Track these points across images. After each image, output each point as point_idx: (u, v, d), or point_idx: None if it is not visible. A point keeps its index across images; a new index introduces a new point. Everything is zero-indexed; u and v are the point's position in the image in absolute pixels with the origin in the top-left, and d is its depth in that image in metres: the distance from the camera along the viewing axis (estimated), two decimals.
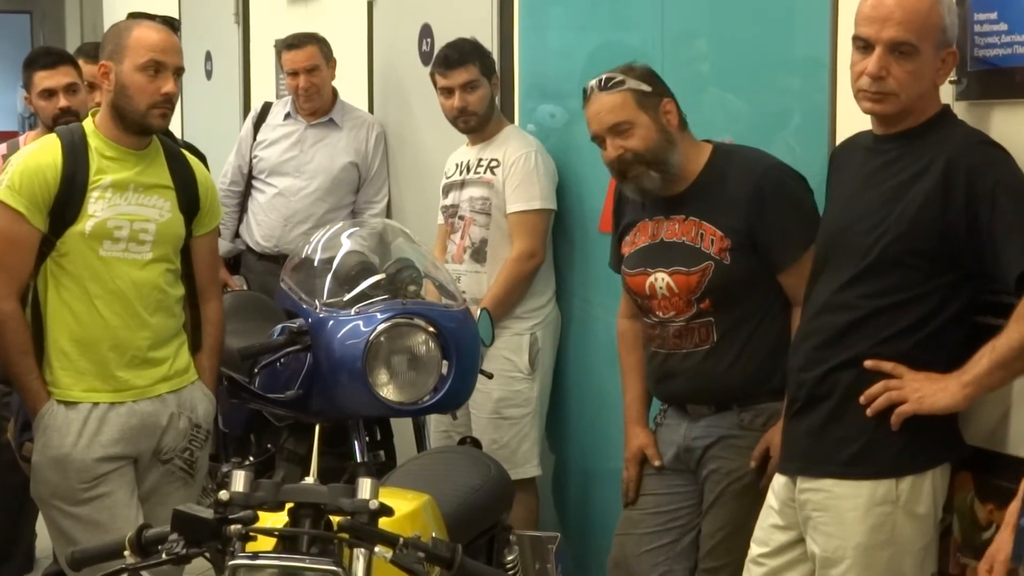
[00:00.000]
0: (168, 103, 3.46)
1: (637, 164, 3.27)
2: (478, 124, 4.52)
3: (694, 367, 3.30)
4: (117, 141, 3.48)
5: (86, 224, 3.41)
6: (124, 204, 3.45)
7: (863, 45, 2.79)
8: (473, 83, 4.46)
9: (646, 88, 3.30)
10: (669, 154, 3.28)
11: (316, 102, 5.48)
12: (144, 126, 3.46)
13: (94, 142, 3.47)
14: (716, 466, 3.31)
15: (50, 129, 4.42)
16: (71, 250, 3.42)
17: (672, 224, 3.33)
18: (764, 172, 3.27)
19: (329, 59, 5.49)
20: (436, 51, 4.76)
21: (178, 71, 3.50)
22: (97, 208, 3.42)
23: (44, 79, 4.68)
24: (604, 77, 3.32)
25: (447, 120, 4.58)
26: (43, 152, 3.45)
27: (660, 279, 3.31)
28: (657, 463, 3.42)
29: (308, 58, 5.43)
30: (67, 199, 3.40)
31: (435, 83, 4.57)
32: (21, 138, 4.94)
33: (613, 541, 3.53)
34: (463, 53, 4.49)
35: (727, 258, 3.24)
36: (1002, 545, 2.41)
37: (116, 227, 3.43)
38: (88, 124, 3.51)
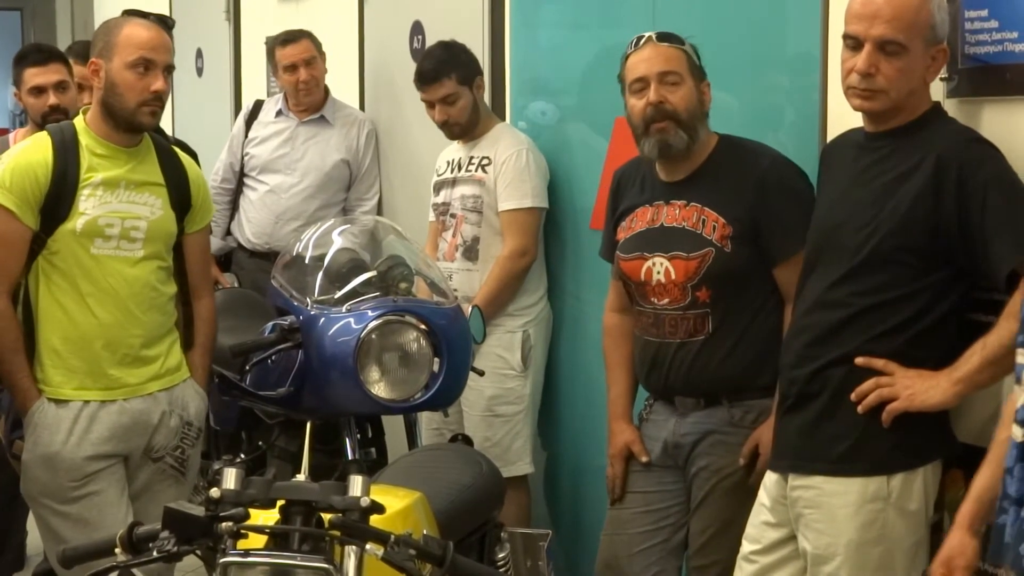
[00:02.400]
0: (158, 101, 3.46)
1: (669, 119, 3.24)
2: (463, 131, 4.52)
3: (687, 358, 3.29)
4: (108, 139, 3.47)
5: (77, 222, 3.40)
6: (115, 202, 3.44)
7: (853, 43, 2.79)
8: (451, 96, 4.44)
9: (696, 60, 3.31)
10: (700, 125, 3.28)
11: (316, 95, 5.49)
12: (134, 124, 3.46)
13: (85, 140, 3.46)
14: (705, 463, 3.30)
15: (39, 126, 4.41)
16: (62, 248, 3.41)
17: (672, 209, 3.32)
18: (770, 163, 3.28)
19: (321, 54, 5.50)
20: (427, 48, 4.76)
21: (168, 69, 3.49)
22: (88, 206, 3.41)
23: (34, 76, 4.67)
24: (661, 32, 3.31)
25: None
26: (34, 150, 3.45)
27: (658, 264, 3.29)
28: (644, 459, 3.41)
29: (305, 51, 5.44)
30: (58, 197, 3.39)
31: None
32: (10, 136, 4.93)
33: (601, 541, 3.51)
34: (438, 67, 4.45)
35: (728, 246, 3.23)
36: (961, 549, 2.41)
37: (107, 225, 3.43)
38: (79, 122, 3.51)
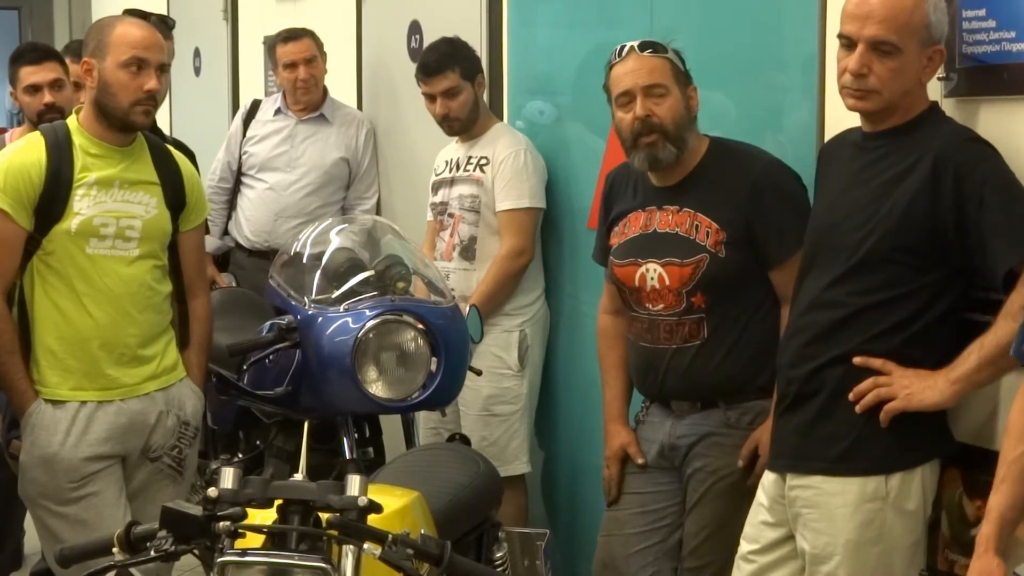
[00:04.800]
0: (151, 100, 3.45)
1: (656, 132, 3.24)
2: (462, 127, 4.52)
3: (683, 364, 3.29)
4: (101, 138, 3.47)
5: (72, 222, 3.40)
6: (110, 201, 3.44)
7: (847, 42, 2.79)
8: (453, 90, 4.45)
9: (680, 66, 3.31)
10: (688, 134, 3.28)
11: (314, 94, 5.49)
12: (127, 123, 3.45)
13: (78, 139, 3.45)
14: (701, 464, 3.30)
15: (35, 125, 4.41)
16: (57, 248, 3.40)
17: (666, 215, 3.32)
18: (763, 167, 3.28)
19: (322, 54, 5.50)
20: (424, 47, 4.76)
21: (161, 67, 3.48)
22: (82, 206, 3.41)
23: (29, 75, 4.67)
24: (644, 41, 3.30)
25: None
26: (27, 150, 3.44)
27: (652, 270, 3.30)
28: (640, 461, 3.41)
29: (306, 49, 5.44)
30: (52, 197, 3.38)
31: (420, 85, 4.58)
32: (7, 135, 4.93)
33: (598, 542, 3.51)
34: (441, 60, 4.47)
35: (722, 251, 3.23)
36: (990, 571, 2.31)
37: (102, 224, 3.42)
38: (72, 121, 3.50)
